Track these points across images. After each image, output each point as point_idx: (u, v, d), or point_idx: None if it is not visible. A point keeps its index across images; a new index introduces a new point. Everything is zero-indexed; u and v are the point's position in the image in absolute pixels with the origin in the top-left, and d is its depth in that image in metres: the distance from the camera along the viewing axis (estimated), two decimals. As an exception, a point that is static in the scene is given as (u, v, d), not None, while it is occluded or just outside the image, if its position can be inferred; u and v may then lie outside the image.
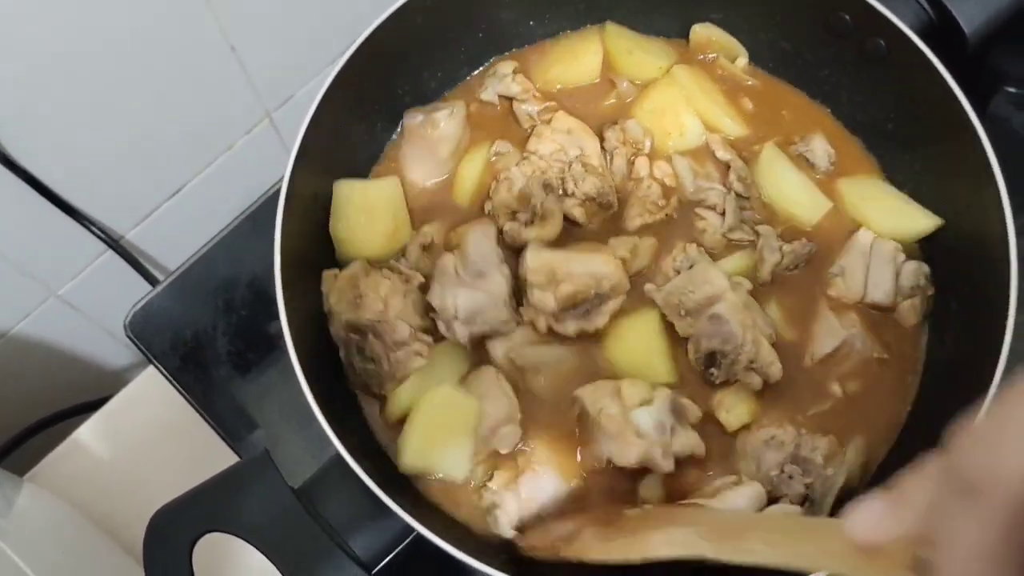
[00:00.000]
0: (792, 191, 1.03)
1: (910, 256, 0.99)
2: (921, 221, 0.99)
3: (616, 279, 0.95)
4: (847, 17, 0.98)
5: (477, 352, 0.96)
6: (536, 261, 0.93)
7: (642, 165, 1.04)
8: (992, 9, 0.99)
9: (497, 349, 0.95)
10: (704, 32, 1.10)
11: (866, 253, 0.98)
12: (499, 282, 0.94)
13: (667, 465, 0.89)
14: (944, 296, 0.98)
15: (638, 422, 0.89)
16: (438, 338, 0.95)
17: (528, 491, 0.91)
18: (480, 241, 0.96)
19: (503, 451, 0.93)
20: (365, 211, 1.00)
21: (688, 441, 0.90)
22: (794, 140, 1.06)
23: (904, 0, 0.99)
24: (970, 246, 0.94)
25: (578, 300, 0.94)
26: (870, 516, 0.52)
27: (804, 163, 1.05)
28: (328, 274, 0.97)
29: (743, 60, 1.11)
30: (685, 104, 1.06)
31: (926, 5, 1.00)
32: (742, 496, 0.87)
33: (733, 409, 0.94)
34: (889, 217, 1.01)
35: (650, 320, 0.97)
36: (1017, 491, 0.42)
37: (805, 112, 1.09)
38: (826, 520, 0.82)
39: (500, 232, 0.99)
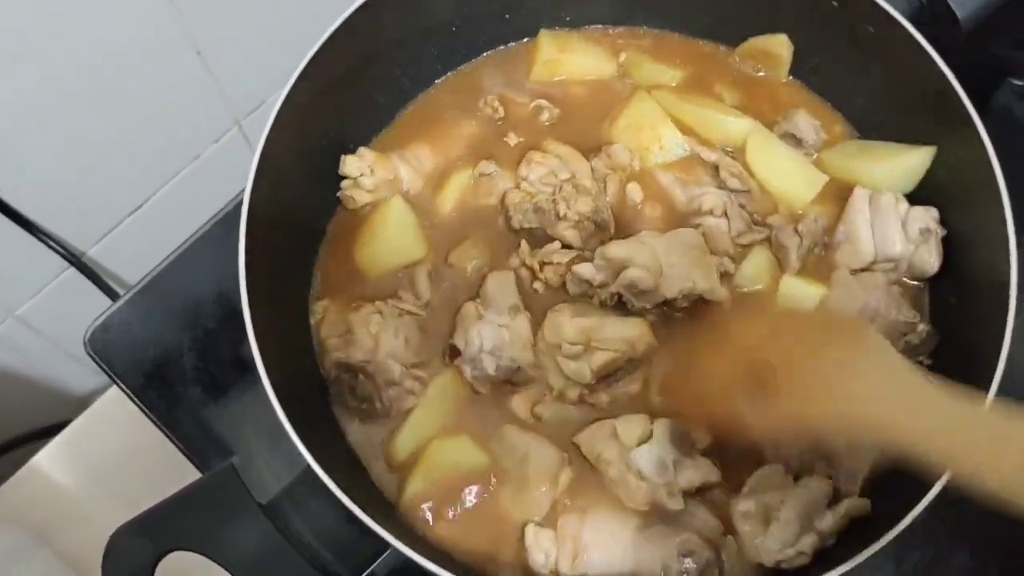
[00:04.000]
0: (787, 169, 1.05)
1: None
2: (914, 156, 1.00)
3: (648, 340, 0.97)
4: (834, 3, 1.00)
5: (482, 406, 0.98)
6: (572, 330, 0.95)
7: (634, 191, 1.06)
8: (985, -6, 1.01)
9: (522, 405, 0.98)
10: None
11: (865, 210, 0.99)
12: (523, 324, 0.97)
13: (675, 504, 0.90)
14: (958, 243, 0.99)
15: (638, 464, 0.90)
16: (432, 375, 0.98)
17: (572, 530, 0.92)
18: (501, 286, 0.99)
19: (562, 496, 0.94)
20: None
21: (697, 472, 0.91)
22: (776, 119, 1.08)
23: (895, -16, 1.02)
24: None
25: (612, 369, 0.96)
26: None
27: (792, 141, 1.06)
28: (320, 305, 1.00)
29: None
30: (662, 116, 1.07)
31: (917, -10, 1.02)
32: None
33: None
34: (880, 165, 1.02)
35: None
36: None
37: (795, 101, 1.11)
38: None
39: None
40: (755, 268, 1.01)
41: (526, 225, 1.03)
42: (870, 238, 0.98)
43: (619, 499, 0.92)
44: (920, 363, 0.97)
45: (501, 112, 1.11)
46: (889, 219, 0.98)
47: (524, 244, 1.02)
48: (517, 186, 1.04)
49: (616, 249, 0.96)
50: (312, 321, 1.00)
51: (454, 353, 0.98)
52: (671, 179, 1.06)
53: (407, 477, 0.94)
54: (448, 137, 1.11)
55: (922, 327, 0.97)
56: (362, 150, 1.06)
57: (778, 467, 0.91)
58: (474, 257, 1.04)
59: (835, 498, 0.89)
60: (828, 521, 0.86)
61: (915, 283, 1.02)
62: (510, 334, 0.96)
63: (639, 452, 0.91)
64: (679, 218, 1.04)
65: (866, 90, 1.05)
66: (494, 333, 0.96)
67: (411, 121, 1.13)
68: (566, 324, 0.95)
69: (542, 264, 1.01)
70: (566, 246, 1.01)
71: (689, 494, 0.91)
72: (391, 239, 1.04)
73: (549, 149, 1.06)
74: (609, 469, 0.91)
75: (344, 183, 1.06)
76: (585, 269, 0.97)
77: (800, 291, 1.00)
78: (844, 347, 0.77)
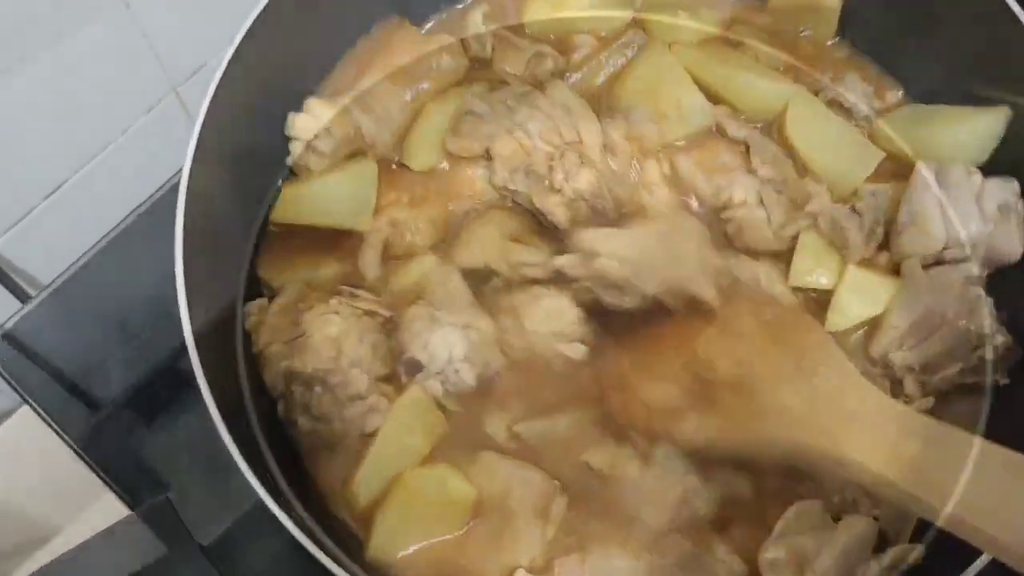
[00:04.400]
0: (836, 143, 0.98)
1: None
2: (985, 119, 0.94)
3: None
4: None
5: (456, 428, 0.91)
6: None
7: (653, 171, 0.97)
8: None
9: (499, 426, 0.91)
10: None
11: (933, 186, 0.92)
12: (488, 321, 0.92)
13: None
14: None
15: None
16: (398, 390, 0.91)
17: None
18: (448, 283, 0.94)
19: (553, 530, 0.88)
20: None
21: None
22: (820, 86, 1.02)
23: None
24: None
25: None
26: None
27: (839, 110, 1.01)
28: (255, 306, 0.92)
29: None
30: (681, 75, 0.99)
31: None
32: None
33: None
34: (946, 131, 0.97)
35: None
36: None
37: (843, 63, 1.06)
38: None
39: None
40: (811, 259, 0.93)
41: (511, 186, 0.95)
42: (940, 219, 0.91)
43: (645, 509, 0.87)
44: (996, 383, 0.89)
45: (491, 48, 1.03)
46: (962, 195, 0.91)
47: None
48: (510, 132, 0.95)
49: (587, 236, 0.90)
50: (246, 326, 0.92)
51: (414, 368, 0.90)
52: (690, 166, 0.97)
53: (376, 516, 0.87)
54: (416, 68, 1.01)
55: (1000, 339, 0.88)
56: (312, 103, 0.98)
57: (816, 503, 0.85)
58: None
59: (881, 543, 0.83)
60: (873, 572, 0.80)
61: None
62: (478, 335, 0.89)
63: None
64: (704, 213, 0.97)
65: (927, 51, 1.01)
66: (459, 336, 0.89)
67: (366, 52, 1.03)
68: (567, 305, 0.91)
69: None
70: (548, 225, 0.95)
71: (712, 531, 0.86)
72: (337, 183, 0.96)
73: (555, 95, 0.97)
74: (630, 468, 0.88)
75: (293, 147, 0.97)
76: (565, 260, 0.90)
77: (868, 286, 0.92)
78: (796, 361, 0.79)
